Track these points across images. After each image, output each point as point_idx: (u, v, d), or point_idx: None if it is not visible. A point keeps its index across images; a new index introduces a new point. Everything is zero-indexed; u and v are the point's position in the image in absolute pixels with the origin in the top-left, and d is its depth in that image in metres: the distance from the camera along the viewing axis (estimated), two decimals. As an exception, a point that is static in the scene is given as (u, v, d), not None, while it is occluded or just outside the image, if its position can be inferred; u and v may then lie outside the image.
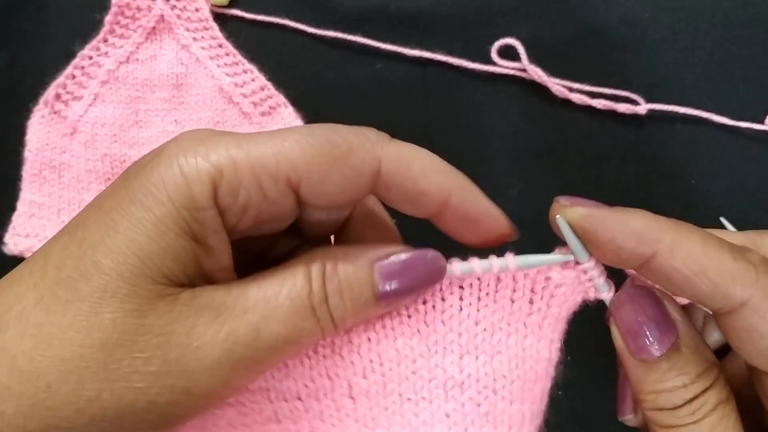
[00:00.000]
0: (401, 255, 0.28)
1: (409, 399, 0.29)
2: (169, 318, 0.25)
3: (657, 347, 0.28)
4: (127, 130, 0.53)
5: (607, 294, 0.30)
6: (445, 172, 0.29)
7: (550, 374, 0.31)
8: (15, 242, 0.50)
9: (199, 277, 0.27)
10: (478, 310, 0.30)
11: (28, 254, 0.49)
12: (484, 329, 0.30)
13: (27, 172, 0.51)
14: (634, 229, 0.27)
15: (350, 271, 0.27)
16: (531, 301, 0.31)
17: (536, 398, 0.30)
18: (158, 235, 0.25)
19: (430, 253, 0.29)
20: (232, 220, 0.27)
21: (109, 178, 0.52)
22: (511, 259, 0.30)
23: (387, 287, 0.28)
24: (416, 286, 0.29)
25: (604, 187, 0.53)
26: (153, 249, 0.25)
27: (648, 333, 0.28)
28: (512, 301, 0.30)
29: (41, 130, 0.52)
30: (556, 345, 0.31)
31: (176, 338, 0.25)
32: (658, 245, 0.26)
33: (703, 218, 0.52)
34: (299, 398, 0.30)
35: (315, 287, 0.27)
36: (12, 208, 0.51)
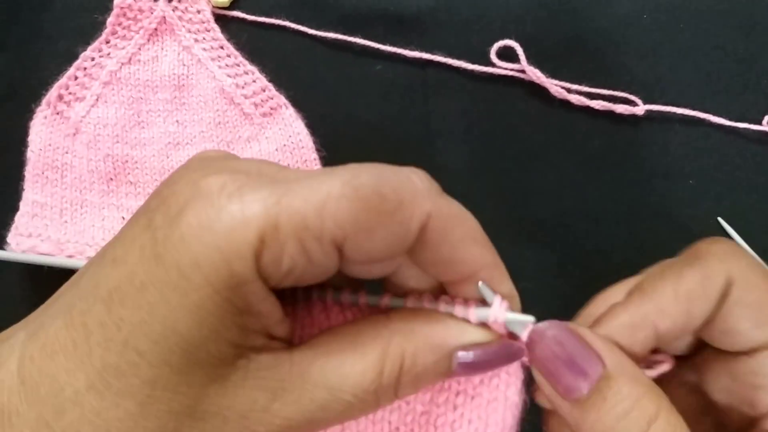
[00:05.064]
0: (486, 348, 0.27)
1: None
2: (221, 403, 0.24)
3: (585, 381, 0.26)
4: (129, 130, 0.53)
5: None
6: (483, 244, 0.27)
7: None
8: (17, 242, 0.50)
9: (252, 337, 0.25)
10: None
11: (29, 254, 0.49)
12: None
13: (29, 172, 0.51)
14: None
15: (430, 363, 0.26)
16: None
17: None
18: (199, 322, 0.23)
19: (515, 346, 0.28)
20: (274, 284, 0.25)
21: (111, 179, 0.52)
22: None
23: (461, 373, 0.27)
24: (486, 372, 0.28)
25: (602, 188, 0.53)
26: (195, 336, 0.23)
27: (570, 368, 0.26)
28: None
29: (44, 131, 0.52)
30: None
31: (231, 426, 0.24)
32: None
33: (702, 219, 0.52)
34: None
35: (386, 382, 0.26)
36: (14, 208, 0.51)
